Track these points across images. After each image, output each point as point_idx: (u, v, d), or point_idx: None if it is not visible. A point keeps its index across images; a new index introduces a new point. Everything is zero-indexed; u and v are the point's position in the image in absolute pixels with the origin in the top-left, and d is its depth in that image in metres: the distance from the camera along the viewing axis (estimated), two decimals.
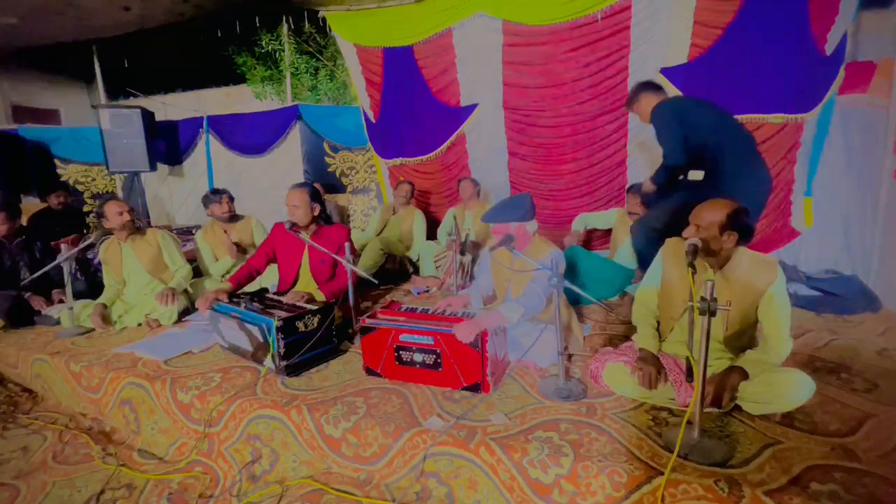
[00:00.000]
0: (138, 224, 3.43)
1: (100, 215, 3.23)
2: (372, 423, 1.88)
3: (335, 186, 5.92)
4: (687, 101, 2.92)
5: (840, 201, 3.68)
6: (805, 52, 3.42)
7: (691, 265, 1.62)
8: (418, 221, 4.59)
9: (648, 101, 2.94)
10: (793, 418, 1.79)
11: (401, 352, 2.16)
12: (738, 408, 1.84)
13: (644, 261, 2.90)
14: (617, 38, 3.95)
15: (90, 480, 2.05)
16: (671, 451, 1.56)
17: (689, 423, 1.61)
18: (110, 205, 3.22)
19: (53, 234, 4.30)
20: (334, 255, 2.78)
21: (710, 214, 1.82)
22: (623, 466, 1.55)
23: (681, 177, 2.94)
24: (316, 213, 2.89)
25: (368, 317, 2.26)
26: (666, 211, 2.80)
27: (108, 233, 3.31)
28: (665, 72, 3.89)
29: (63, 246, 3.08)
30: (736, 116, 3.63)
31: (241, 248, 3.76)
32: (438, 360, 2.09)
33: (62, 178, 6.38)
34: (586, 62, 4.10)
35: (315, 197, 2.89)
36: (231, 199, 3.81)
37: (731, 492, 1.42)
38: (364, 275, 2.69)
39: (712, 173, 2.75)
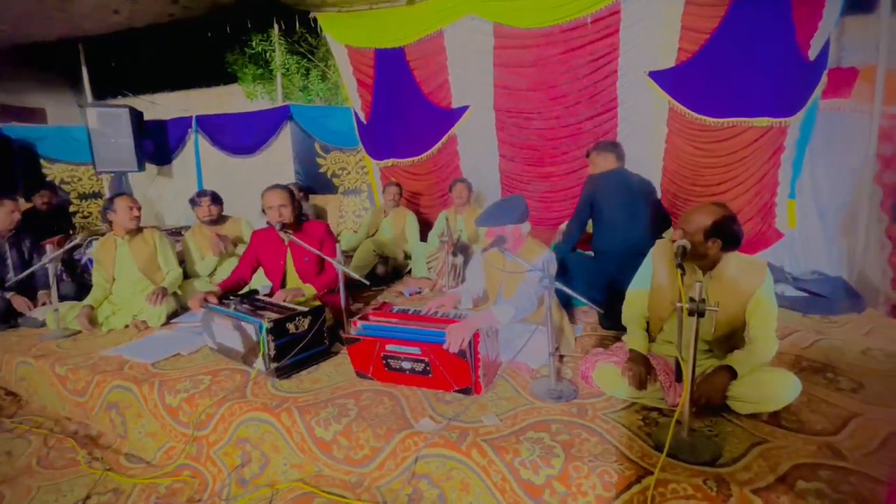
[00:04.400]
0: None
1: (107, 209, 3.20)
2: (363, 426, 1.87)
3: (327, 187, 5.90)
4: (602, 176, 3.23)
5: (824, 204, 3.75)
6: (789, 57, 3.48)
7: (680, 266, 1.63)
8: (410, 223, 4.58)
9: (604, 160, 3.25)
10: (780, 417, 1.82)
11: (388, 360, 2.15)
12: (726, 407, 1.86)
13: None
14: (606, 41, 3.99)
15: (76, 485, 2.02)
16: (661, 451, 1.58)
17: (679, 422, 1.62)
18: (123, 200, 3.21)
19: (39, 234, 4.23)
20: (321, 254, 2.79)
21: (698, 219, 1.83)
22: (613, 466, 1.56)
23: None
24: (297, 212, 2.94)
25: (360, 318, 2.26)
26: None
27: (96, 234, 3.27)
28: (653, 75, 3.94)
29: (48, 247, 3.04)
30: (722, 120, 3.74)
31: (226, 244, 3.72)
32: (427, 368, 2.08)
33: (48, 178, 6.28)
34: (576, 65, 4.13)
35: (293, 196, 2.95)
36: (214, 201, 3.76)
37: (719, 490, 1.44)
38: (354, 275, 2.68)
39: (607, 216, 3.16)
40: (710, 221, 1.80)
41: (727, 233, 1.80)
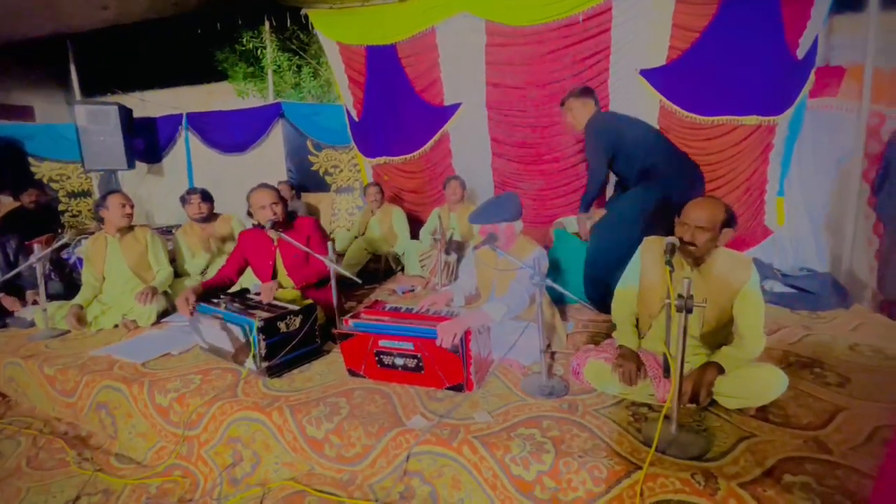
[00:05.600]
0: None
1: (99, 206, 3.17)
2: (355, 424, 1.87)
3: (319, 185, 5.87)
4: (615, 117, 3.22)
5: (812, 201, 3.79)
6: (778, 55, 3.51)
7: (669, 263, 1.65)
8: (397, 219, 4.58)
9: (583, 105, 3.29)
10: (767, 412, 1.84)
11: (381, 356, 2.15)
12: (714, 402, 1.88)
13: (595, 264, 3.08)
14: (598, 39, 4.00)
15: (66, 486, 2.01)
16: (650, 446, 1.59)
17: (667, 418, 1.64)
18: (115, 197, 3.19)
19: (27, 233, 4.18)
20: (313, 252, 2.77)
21: (712, 212, 1.87)
22: (603, 462, 1.57)
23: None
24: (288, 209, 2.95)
25: (351, 316, 2.25)
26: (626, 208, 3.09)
27: (84, 233, 3.24)
28: (644, 73, 3.95)
29: (36, 246, 3.00)
30: (712, 118, 3.76)
31: (217, 243, 3.71)
32: (420, 364, 2.09)
33: (36, 177, 6.20)
34: (568, 63, 4.14)
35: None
36: (205, 198, 3.74)
37: (707, 484, 1.45)
38: (346, 273, 2.68)
39: (647, 176, 3.06)
40: (723, 212, 1.87)
41: (735, 221, 1.90)
